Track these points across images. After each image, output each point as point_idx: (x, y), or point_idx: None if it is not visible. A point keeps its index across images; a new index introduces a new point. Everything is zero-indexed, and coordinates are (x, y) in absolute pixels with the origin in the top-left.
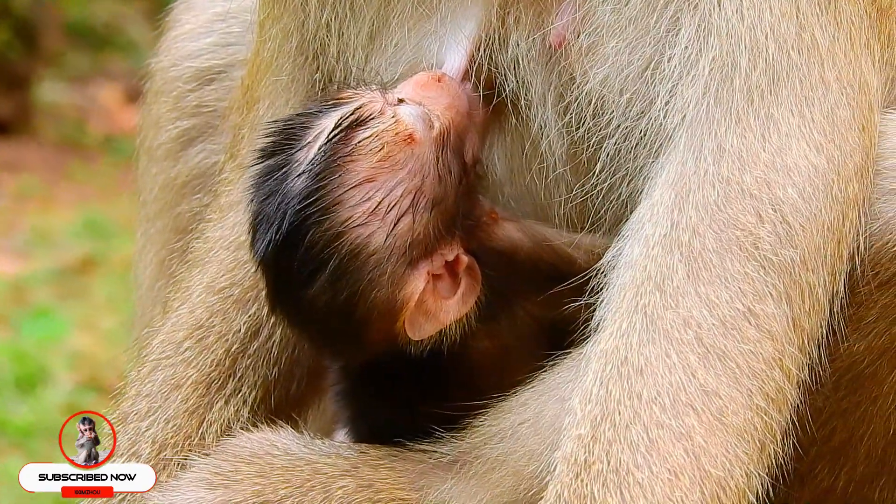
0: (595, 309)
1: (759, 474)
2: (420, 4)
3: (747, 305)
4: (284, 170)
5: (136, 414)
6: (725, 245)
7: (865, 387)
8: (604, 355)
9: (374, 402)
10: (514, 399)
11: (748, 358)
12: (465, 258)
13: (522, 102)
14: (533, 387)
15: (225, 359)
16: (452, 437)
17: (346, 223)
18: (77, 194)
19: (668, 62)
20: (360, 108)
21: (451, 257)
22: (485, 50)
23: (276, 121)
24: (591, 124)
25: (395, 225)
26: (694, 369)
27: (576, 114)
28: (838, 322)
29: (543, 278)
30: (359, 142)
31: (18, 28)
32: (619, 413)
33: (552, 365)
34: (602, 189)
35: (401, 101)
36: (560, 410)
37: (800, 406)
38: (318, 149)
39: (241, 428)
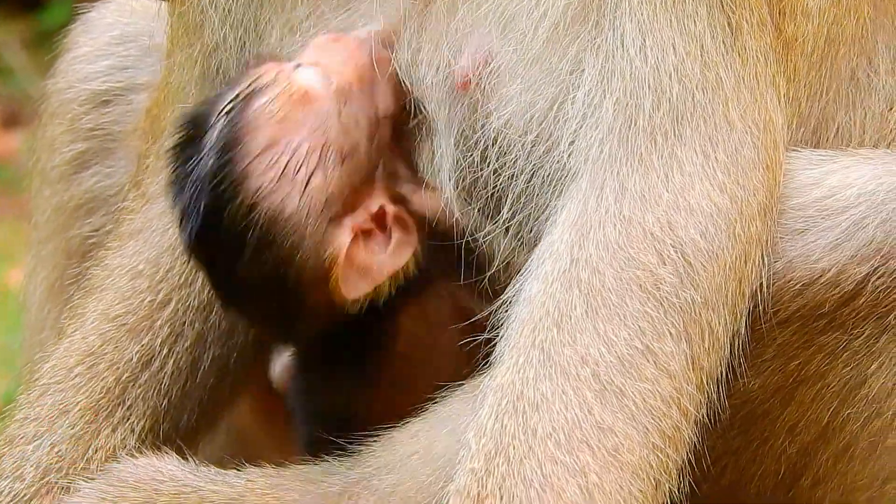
0: (494, 344)
1: None
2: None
3: (646, 344)
4: (194, 157)
5: (22, 437)
6: (625, 284)
7: (758, 425)
8: (500, 389)
9: (314, 391)
10: (405, 430)
11: (645, 396)
12: (391, 207)
13: (431, 139)
14: (424, 418)
15: (115, 387)
16: (342, 465)
17: (258, 192)
18: None
19: (572, 104)
20: (256, 80)
21: (374, 208)
22: (393, 54)
23: (180, 116)
24: (496, 164)
25: (306, 184)
26: (590, 406)
27: (481, 152)
28: (738, 360)
29: (461, 263)
30: (254, 110)
31: None
32: (514, 448)
33: (443, 397)
34: (509, 228)
35: (298, 66)
36: (451, 442)
37: (697, 444)
38: (221, 123)
39: (127, 454)
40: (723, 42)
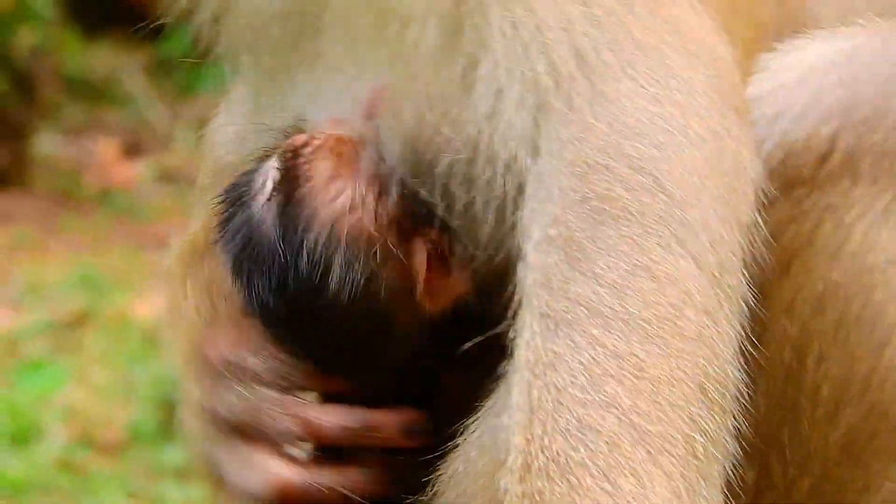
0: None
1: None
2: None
3: (633, 261)
4: (248, 219)
5: None
6: (590, 220)
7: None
8: (517, 371)
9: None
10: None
11: (652, 308)
12: (444, 236)
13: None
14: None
15: None
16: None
17: (333, 216)
18: (71, 247)
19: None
20: (290, 142)
21: (434, 236)
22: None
23: (218, 195)
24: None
25: (376, 205)
26: (600, 341)
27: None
28: None
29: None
30: (311, 153)
31: (16, 79)
32: (543, 408)
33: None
34: None
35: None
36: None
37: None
38: (273, 178)
39: None
40: None
